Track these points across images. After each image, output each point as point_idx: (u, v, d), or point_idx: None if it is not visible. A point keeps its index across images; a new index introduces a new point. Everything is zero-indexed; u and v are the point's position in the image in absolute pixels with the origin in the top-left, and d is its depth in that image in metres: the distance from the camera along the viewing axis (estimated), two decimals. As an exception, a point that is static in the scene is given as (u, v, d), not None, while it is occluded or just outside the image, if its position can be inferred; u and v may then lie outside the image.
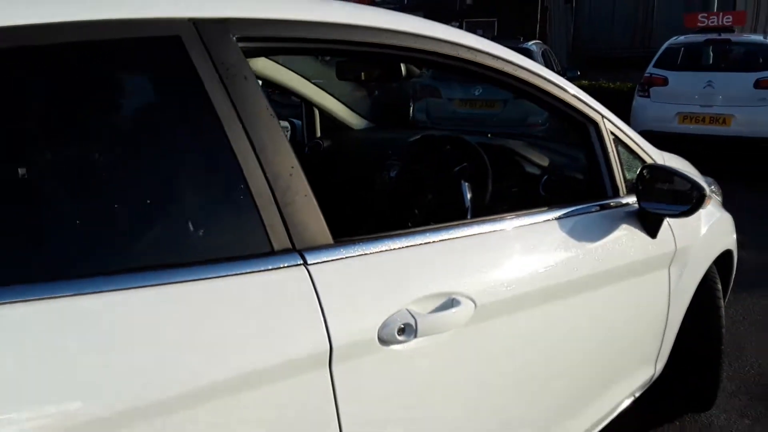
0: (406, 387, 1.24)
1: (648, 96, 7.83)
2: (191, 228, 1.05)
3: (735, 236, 2.65)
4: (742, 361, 3.01)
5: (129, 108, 1.12)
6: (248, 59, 1.12)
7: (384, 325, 1.16)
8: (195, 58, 1.05)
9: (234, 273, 1.02)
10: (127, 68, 1.10)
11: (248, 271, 1.03)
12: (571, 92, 1.85)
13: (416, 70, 2.32)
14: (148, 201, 1.02)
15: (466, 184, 2.04)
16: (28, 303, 0.83)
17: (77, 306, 0.86)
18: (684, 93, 7.57)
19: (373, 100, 3.50)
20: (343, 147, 2.71)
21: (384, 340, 1.16)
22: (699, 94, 7.47)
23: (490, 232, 1.49)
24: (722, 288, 2.61)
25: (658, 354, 2.20)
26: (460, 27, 1.71)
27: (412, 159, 2.29)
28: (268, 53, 1.86)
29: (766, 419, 2.57)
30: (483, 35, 1.76)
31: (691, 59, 8.00)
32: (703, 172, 2.57)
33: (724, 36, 8.12)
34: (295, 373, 1.04)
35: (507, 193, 2.12)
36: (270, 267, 1.06)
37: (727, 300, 2.81)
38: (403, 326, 1.18)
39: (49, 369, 0.82)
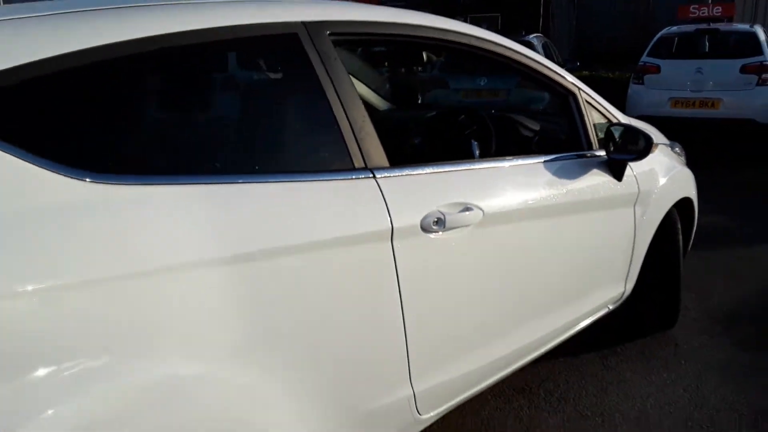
0: (437, 262, 1.86)
1: (642, 83, 8.43)
2: (311, 151, 1.69)
3: (694, 188, 3.26)
4: (705, 299, 3.62)
5: (271, 76, 1.76)
6: (335, 47, 1.76)
7: (424, 218, 1.78)
8: (305, 46, 1.68)
9: (335, 179, 1.65)
10: (270, 52, 1.73)
11: (344, 178, 1.66)
12: (556, 71, 2.48)
13: (434, 57, 2.97)
14: (286, 133, 1.66)
15: (475, 142, 2.67)
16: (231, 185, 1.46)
17: (246, 188, 1.49)
18: (676, 79, 8.16)
19: (393, 89, 4.11)
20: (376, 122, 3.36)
21: (424, 229, 1.79)
22: (690, 80, 8.05)
23: (494, 167, 2.13)
24: (687, 230, 3.24)
25: (627, 275, 2.82)
26: (465, 21, 2.08)
27: (433, 126, 2.93)
28: (347, 44, 2.43)
29: (721, 336, 3.19)
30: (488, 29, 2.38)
31: (683, 48, 8.58)
32: (692, 154, 3.18)
33: (713, 26, 8.69)
34: (373, 241, 1.68)
35: (506, 148, 2.75)
36: (354, 177, 1.69)
37: (691, 244, 3.43)
38: (436, 220, 1.80)
39: (226, 220, 1.42)
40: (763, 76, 7.70)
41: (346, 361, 1.68)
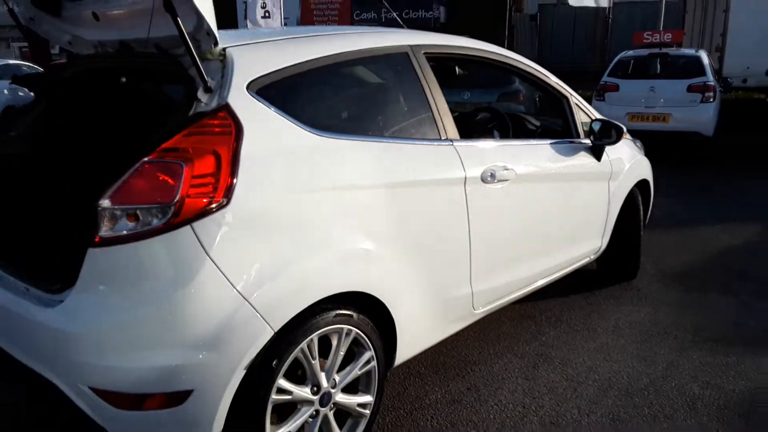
0: (489, 202, 2.83)
1: (603, 100, 9.63)
2: (419, 126, 2.63)
3: (651, 173, 4.32)
4: (659, 262, 4.68)
5: (396, 78, 2.70)
6: (428, 61, 2.72)
7: (482, 172, 2.76)
8: (412, 61, 2.65)
9: (433, 144, 2.60)
10: (394, 64, 2.68)
11: (438, 144, 2.62)
12: (555, 80, 3.50)
13: (462, 71, 3.96)
14: (406, 114, 2.60)
15: (496, 132, 3.67)
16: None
17: (389, 145, 2.43)
18: (632, 97, 9.37)
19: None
20: None
21: (483, 179, 2.76)
22: (644, 98, 9.27)
23: (519, 144, 3.13)
24: (646, 205, 4.28)
25: (603, 233, 3.84)
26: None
27: (472, 116, 3.91)
28: (435, 61, 3.03)
29: (670, 285, 4.23)
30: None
31: (638, 69, 9.84)
32: (647, 159, 4.24)
33: (664, 50, 9.98)
34: (452, 184, 2.63)
35: (519, 135, 3.73)
36: (442, 143, 2.65)
37: (649, 216, 4.48)
38: (490, 174, 2.78)
39: (380, 161, 2.37)
40: (707, 94, 8.97)
41: (437, 260, 2.63)
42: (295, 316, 2.05)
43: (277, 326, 2.00)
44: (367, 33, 2.67)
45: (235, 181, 1.93)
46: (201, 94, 2.03)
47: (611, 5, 21.60)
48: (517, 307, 3.75)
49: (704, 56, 9.66)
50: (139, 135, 2.21)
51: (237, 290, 1.91)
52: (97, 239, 1.86)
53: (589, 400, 2.83)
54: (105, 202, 1.83)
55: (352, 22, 21.80)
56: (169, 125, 1.97)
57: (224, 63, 2.12)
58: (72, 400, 1.93)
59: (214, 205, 1.88)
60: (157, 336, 1.86)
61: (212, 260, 1.88)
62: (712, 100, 9.06)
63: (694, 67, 9.49)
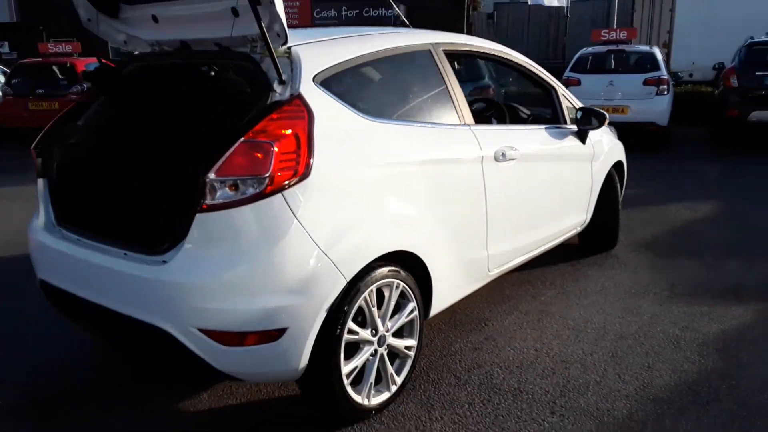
0: (500, 177, 3.28)
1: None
2: (442, 113, 3.06)
3: (624, 155, 4.86)
4: (631, 235, 5.23)
5: (422, 73, 3.12)
6: (447, 57, 3.16)
7: (495, 152, 3.21)
8: (434, 56, 3.08)
9: (454, 127, 3.04)
10: (420, 59, 3.10)
11: (458, 127, 3.06)
12: (545, 74, 3.99)
13: (459, 66, 4.42)
14: (432, 103, 3.03)
15: (494, 119, 4.13)
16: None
17: (423, 129, 2.86)
18: (593, 90, 10.01)
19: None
20: None
21: (495, 158, 3.22)
22: (603, 91, 9.93)
23: (520, 129, 3.60)
24: (620, 182, 4.82)
25: (588, 207, 4.35)
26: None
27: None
28: (451, 56, 3.40)
29: (644, 252, 4.78)
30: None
31: (597, 65, 10.51)
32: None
33: (621, 47, 10.69)
34: (473, 162, 3.08)
35: (515, 121, 4.21)
36: (462, 127, 3.09)
37: (623, 194, 5.02)
38: (502, 153, 3.24)
39: (417, 142, 2.80)
40: (661, 87, 9.69)
41: (462, 226, 3.06)
42: (361, 270, 2.46)
43: (349, 277, 2.40)
44: (395, 33, 3.09)
45: (311, 157, 2.33)
46: (276, 86, 2.42)
47: (569, 4, 22.50)
48: (515, 274, 4.22)
49: (658, 52, 10.40)
50: (224, 120, 2.58)
51: (319, 246, 2.31)
52: (204, 206, 2.23)
53: (590, 343, 3.32)
54: (212, 175, 2.21)
55: (312, 21, 22.13)
56: (254, 112, 2.35)
57: (291, 59, 2.51)
58: (182, 342, 2.29)
59: (298, 177, 2.28)
60: (256, 284, 2.24)
61: (299, 222, 2.27)
62: (666, 92, 9.78)
63: (649, 62, 10.22)
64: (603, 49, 10.74)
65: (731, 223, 5.64)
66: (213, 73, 2.61)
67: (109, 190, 3.04)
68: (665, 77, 9.85)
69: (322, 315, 2.35)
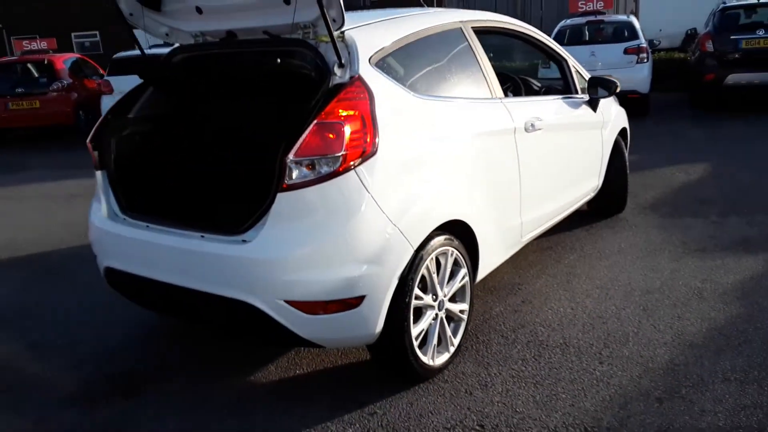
0: (530, 146, 3.45)
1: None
2: (475, 87, 3.21)
3: (627, 121, 5.08)
4: (636, 198, 5.48)
5: (457, 50, 3.26)
6: (476, 34, 3.31)
7: (525, 124, 3.38)
8: (464, 33, 3.23)
9: (488, 101, 3.20)
10: (453, 37, 3.23)
11: (491, 101, 3.22)
12: (557, 47, 4.15)
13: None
14: (465, 79, 3.18)
15: (510, 93, 4.30)
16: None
17: (464, 103, 3.01)
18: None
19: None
20: None
21: (525, 129, 3.39)
22: (585, 62, 10.07)
23: (540, 101, 3.76)
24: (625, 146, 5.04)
25: (600, 173, 4.56)
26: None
27: None
28: (479, 32, 3.54)
29: (652, 214, 5.02)
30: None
31: (577, 36, 10.73)
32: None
33: (599, 17, 10.92)
34: (507, 133, 3.25)
35: (529, 95, 4.39)
36: (494, 101, 3.25)
37: (629, 154, 5.24)
38: (531, 124, 3.41)
39: (465, 117, 2.96)
40: (641, 56, 9.95)
41: (500, 195, 3.24)
42: (424, 239, 2.62)
43: (415, 246, 2.56)
44: (427, 13, 3.22)
45: (376, 135, 2.47)
46: (336, 69, 2.54)
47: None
48: (537, 241, 4.42)
49: (635, 21, 10.65)
50: (290, 104, 2.70)
51: (389, 218, 2.46)
52: (284, 186, 2.36)
53: (620, 299, 3.54)
54: (291, 157, 2.34)
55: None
56: (320, 95, 2.48)
57: (345, 42, 2.64)
58: (268, 314, 2.42)
59: (367, 155, 2.42)
60: (337, 256, 2.39)
61: (371, 196, 2.42)
62: (645, 60, 10.06)
63: (627, 31, 10.47)
64: (582, 20, 10.96)
65: (723, 182, 5.92)
66: (279, 60, 2.72)
67: (177, 177, 3.14)
68: (644, 45, 10.12)
69: (395, 282, 2.51)
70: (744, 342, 3.00)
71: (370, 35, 2.75)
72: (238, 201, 2.76)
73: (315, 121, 2.37)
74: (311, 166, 2.36)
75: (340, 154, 2.36)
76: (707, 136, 8.27)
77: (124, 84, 11.49)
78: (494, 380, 2.80)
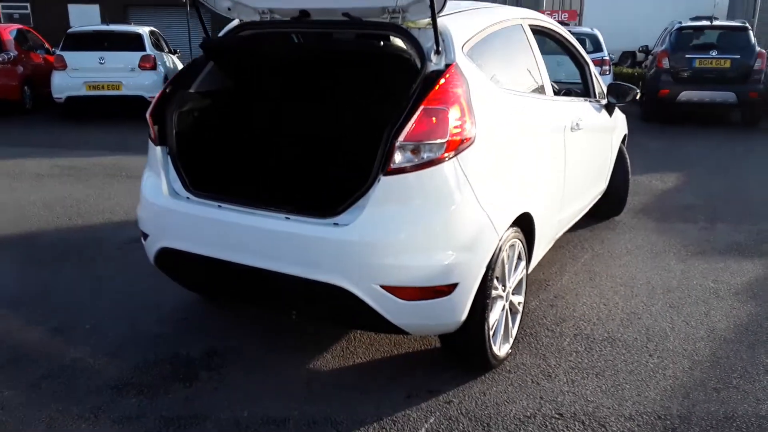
0: (573, 147, 3.57)
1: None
2: (536, 85, 3.30)
3: (626, 128, 5.32)
4: (628, 203, 5.73)
5: (519, 47, 3.31)
6: (532, 32, 3.39)
7: (572, 122, 3.51)
8: (524, 31, 3.30)
9: (544, 97, 3.29)
10: (515, 32, 3.29)
11: (547, 100, 3.31)
12: (583, 52, 4.30)
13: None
14: (527, 71, 3.25)
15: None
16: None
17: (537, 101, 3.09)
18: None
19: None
20: None
21: (572, 129, 3.50)
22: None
23: (575, 102, 3.89)
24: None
25: (608, 176, 4.75)
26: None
27: None
28: (534, 30, 3.69)
29: (645, 219, 5.28)
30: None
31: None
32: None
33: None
34: (561, 131, 3.35)
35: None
36: (549, 100, 3.35)
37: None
38: (575, 125, 3.53)
39: (545, 112, 3.03)
40: (604, 68, 10.39)
41: (551, 190, 3.33)
42: (506, 229, 2.67)
43: (500, 235, 2.61)
44: (491, 7, 3.27)
45: (474, 123, 2.50)
46: (433, 56, 2.55)
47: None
48: (549, 239, 4.56)
49: (599, 34, 11.11)
50: (386, 89, 2.67)
51: (483, 207, 2.49)
52: (389, 169, 2.35)
53: (646, 296, 3.71)
54: (400, 141, 2.33)
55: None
56: (420, 80, 2.47)
57: (434, 31, 2.64)
58: (361, 298, 2.40)
59: (468, 142, 2.44)
60: (435, 241, 2.40)
61: (469, 184, 2.44)
62: (608, 72, 10.52)
63: (591, 43, 10.90)
64: (547, 30, 11.33)
65: (699, 190, 6.30)
66: (382, 43, 2.68)
67: (249, 156, 3.04)
68: (607, 58, 10.58)
69: (483, 270, 2.54)
70: (772, 338, 3.23)
71: (461, 24, 2.77)
72: (334, 183, 2.72)
73: (423, 106, 2.37)
74: (416, 150, 2.36)
75: (444, 140, 2.37)
76: (669, 148, 8.74)
77: (80, 60, 10.98)
78: (556, 371, 2.89)
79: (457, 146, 2.41)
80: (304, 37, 3.16)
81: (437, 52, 2.55)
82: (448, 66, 2.53)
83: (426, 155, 2.37)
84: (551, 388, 2.75)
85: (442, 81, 2.45)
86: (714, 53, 10.46)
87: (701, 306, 3.59)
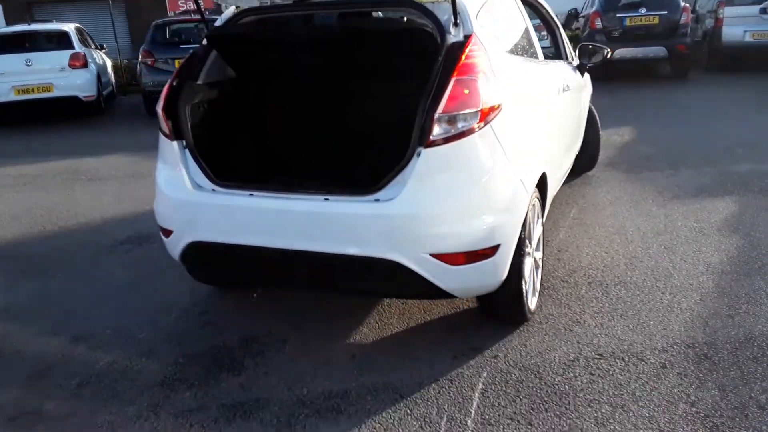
0: (563, 108, 3.73)
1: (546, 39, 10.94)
2: (533, 50, 3.41)
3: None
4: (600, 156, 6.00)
5: (512, 13, 3.41)
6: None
7: (562, 85, 3.65)
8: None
9: (542, 61, 3.42)
10: (509, 2, 3.38)
11: (545, 64, 3.44)
12: (551, 12, 4.46)
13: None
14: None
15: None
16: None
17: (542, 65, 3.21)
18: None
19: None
20: None
21: (563, 90, 3.66)
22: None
23: (560, 65, 4.05)
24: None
25: (582, 133, 4.97)
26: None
27: None
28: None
29: (614, 171, 5.55)
30: None
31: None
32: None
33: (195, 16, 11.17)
34: (556, 93, 3.49)
35: None
36: (546, 62, 3.48)
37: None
38: (566, 86, 3.69)
39: (549, 75, 3.15)
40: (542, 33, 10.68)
41: (554, 150, 3.47)
42: (533, 189, 2.80)
43: (530, 195, 2.73)
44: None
45: (500, 89, 2.59)
46: (452, 28, 2.62)
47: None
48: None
49: None
50: (410, 63, 2.72)
51: (515, 169, 2.60)
52: (428, 142, 2.41)
53: (641, 241, 3.94)
54: (438, 113, 2.39)
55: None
56: (445, 52, 2.54)
57: (452, 3, 2.70)
58: (412, 269, 2.47)
59: (496, 109, 2.53)
60: (477, 207, 2.49)
61: (503, 149, 2.54)
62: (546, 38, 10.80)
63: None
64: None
65: (653, 141, 6.65)
66: (405, 18, 2.69)
67: (275, 141, 3.02)
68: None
69: (519, 230, 2.66)
70: (762, 266, 3.50)
71: None
72: (371, 160, 2.75)
73: (454, 78, 2.44)
74: (452, 121, 2.43)
75: (477, 109, 2.45)
76: (614, 104, 9.11)
77: (4, 64, 10.34)
78: (582, 317, 3.06)
79: (488, 114, 2.49)
80: (313, 18, 3.16)
81: (455, 24, 2.62)
82: (467, 37, 2.61)
83: (461, 125, 2.44)
84: (584, 332, 2.92)
85: (467, 51, 2.53)
86: (643, 11, 10.93)
87: (692, 244, 3.85)
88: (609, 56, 4.62)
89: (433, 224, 2.45)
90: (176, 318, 3.32)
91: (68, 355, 3.02)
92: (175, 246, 2.92)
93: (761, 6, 11.23)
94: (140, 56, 10.79)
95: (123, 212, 5.26)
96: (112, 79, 13.64)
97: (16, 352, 3.06)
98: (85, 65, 10.85)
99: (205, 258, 2.90)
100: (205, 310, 3.38)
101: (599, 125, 5.38)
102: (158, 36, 11.04)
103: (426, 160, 2.44)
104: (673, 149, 6.23)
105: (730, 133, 6.83)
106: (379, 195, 2.49)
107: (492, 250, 2.55)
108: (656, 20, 10.92)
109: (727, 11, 11.37)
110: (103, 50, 13.33)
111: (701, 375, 2.55)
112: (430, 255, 2.47)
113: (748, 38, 11.31)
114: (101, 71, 11.94)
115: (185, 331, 3.17)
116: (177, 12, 11.59)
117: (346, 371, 2.72)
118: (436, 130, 2.42)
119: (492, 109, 2.51)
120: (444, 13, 2.68)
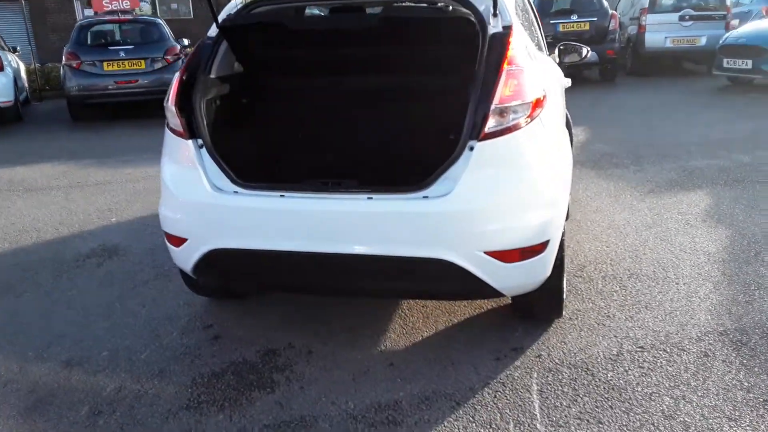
0: (564, 97, 3.73)
1: None
2: (541, 43, 3.38)
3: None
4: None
5: (522, 5, 3.35)
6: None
7: (562, 80, 3.64)
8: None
9: (549, 54, 3.39)
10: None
11: (548, 56, 3.42)
12: (533, 8, 4.48)
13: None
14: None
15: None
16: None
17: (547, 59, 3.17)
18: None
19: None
20: None
21: (563, 85, 3.65)
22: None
23: (551, 60, 4.06)
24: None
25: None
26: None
27: None
28: None
29: (596, 166, 5.65)
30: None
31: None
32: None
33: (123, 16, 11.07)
34: (562, 85, 3.48)
35: None
36: (549, 55, 3.45)
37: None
38: (565, 80, 3.68)
39: (548, 70, 3.12)
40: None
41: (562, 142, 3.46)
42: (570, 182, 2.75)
43: (569, 189, 2.68)
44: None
45: (543, 81, 2.52)
46: (491, 19, 2.53)
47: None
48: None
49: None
50: (453, 54, 2.59)
51: (559, 162, 2.54)
52: (483, 135, 2.30)
53: (636, 234, 4.00)
54: (493, 105, 2.29)
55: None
56: (490, 43, 2.44)
57: None
58: (464, 267, 2.34)
59: (542, 101, 2.47)
60: (529, 201, 2.40)
61: (550, 141, 2.48)
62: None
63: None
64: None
65: (606, 140, 6.86)
66: (441, 5, 2.55)
67: (300, 138, 2.79)
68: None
69: (563, 224, 2.60)
70: (758, 254, 3.63)
71: None
72: (417, 155, 2.59)
73: (504, 69, 2.35)
74: (504, 113, 2.34)
75: (529, 100, 2.37)
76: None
77: None
78: (610, 311, 3.04)
79: (536, 106, 2.42)
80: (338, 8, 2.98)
81: (494, 15, 2.53)
82: (506, 28, 2.52)
83: (512, 117, 2.35)
84: (617, 326, 2.90)
85: (511, 42, 2.44)
86: (575, 17, 11.35)
87: (685, 235, 3.95)
88: (588, 55, 4.69)
89: (488, 221, 2.34)
90: (180, 334, 3.03)
91: (66, 382, 2.68)
92: (189, 255, 2.65)
93: (680, 14, 11.93)
94: (64, 58, 10.08)
95: (79, 224, 4.83)
96: (26, 84, 12.73)
97: (6, 382, 2.69)
98: (1, 68, 10.04)
99: (224, 267, 2.66)
100: (210, 324, 3.12)
101: (570, 120, 5.46)
102: (83, 37, 10.37)
103: (480, 153, 2.33)
104: (629, 147, 6.44)
105: (674, 132, 7.16)
106: (428, 192, 2.35)
107: (542, 246, 2.47)
108: (587, 26, 11.36)
109: (650, 18, 12.02)
110: (17, 53, 12.40)
111: (745, 361, 2.57)
112: (485, 253, 2.36)
113: (668, 44, 12.00)
114: (16, 75, 11.09)
115: (195, 348, 2.89)
116: (101, 12, 10.92)
117: (389, 380, 2.56)
118: (492, 123, 2.31)
119: (539, 101, 2.44)
120: (480, 3, 2.59)
